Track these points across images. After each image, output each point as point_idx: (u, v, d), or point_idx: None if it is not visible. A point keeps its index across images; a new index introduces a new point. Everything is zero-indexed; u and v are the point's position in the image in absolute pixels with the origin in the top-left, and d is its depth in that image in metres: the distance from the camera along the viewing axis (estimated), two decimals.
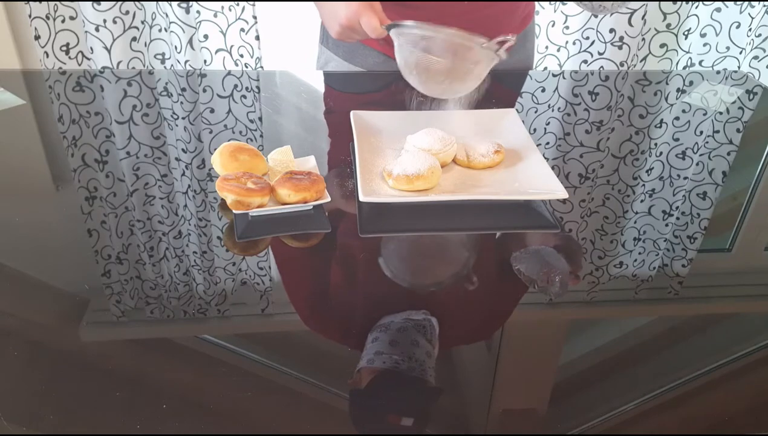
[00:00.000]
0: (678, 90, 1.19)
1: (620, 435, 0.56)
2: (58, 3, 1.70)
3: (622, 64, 1.88)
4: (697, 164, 0.95)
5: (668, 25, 1.87)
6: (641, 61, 1.92)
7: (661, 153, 0.97)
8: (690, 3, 1.84)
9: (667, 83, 1.22)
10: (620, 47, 1.85)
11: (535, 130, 1.01)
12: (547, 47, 1.87)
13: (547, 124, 1.04)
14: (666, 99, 1.15)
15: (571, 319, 0.70)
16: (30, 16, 1.67)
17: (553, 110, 1.08)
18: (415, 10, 1.03)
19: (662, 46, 1.91)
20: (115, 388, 0.56)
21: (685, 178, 0.91)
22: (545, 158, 0.85)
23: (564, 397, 0.59)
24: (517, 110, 0.98)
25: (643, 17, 1.80)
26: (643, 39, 1.86)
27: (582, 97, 1.13)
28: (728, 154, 0.98)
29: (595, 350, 0.65)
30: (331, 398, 0.58)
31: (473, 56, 0.82)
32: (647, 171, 0.93)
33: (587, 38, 1.85)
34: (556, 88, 1.15)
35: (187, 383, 0.58)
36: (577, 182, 0.89)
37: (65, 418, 0.53)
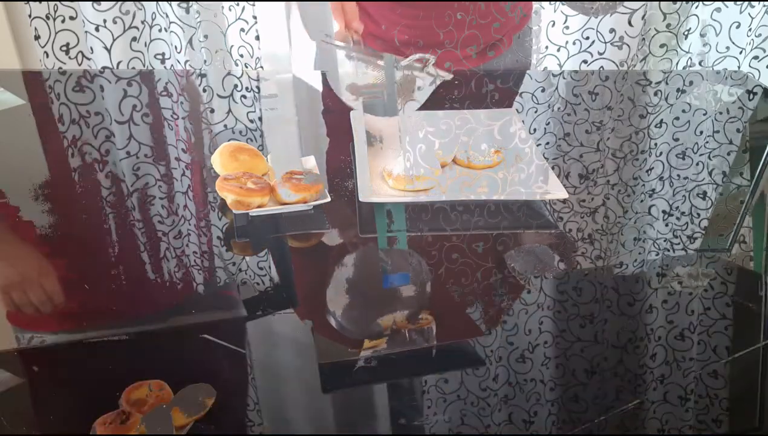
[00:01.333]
0: (678, 90, 1.19)
1: (620, 435, 0.56)
2: (58, 3, 1.70)
3: (622, 64, 1.88)
4: (697, 164, 0.95)
5: (668, 25, 1.87)
6: (641, 61, 1.92)
7: (661, 153, 0.97)
8: (690, 3, 1.84)
9: (667, 83, 1.22)
10: (620, 47, 1.85)
11: (535, 130, 1.01)
12: (547, 47, 1.87)
13: (547, 124, 1.04)
14: (666, 99, 1.15)
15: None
16: (30, 16, 1.67)
17: (553, 110, 1.08)
18: (413, 8, 1.03)
19: (662, 46, 1.91)
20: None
21: (685, 178, 0.91)
22: (545, 158, 0.85)
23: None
24: (517, 110, 0.98)
25: (643, 17, 1.80)
26: (643, 39, 1.86)
27: (582, 97, 1.13)
28: (728, 154, 0.98)
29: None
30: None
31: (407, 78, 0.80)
32: (647, 171, 0.93)
33: (587, 38, 1.84)
34: (556, 88, 1.15)
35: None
36: (577, 182, 0.89)
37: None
